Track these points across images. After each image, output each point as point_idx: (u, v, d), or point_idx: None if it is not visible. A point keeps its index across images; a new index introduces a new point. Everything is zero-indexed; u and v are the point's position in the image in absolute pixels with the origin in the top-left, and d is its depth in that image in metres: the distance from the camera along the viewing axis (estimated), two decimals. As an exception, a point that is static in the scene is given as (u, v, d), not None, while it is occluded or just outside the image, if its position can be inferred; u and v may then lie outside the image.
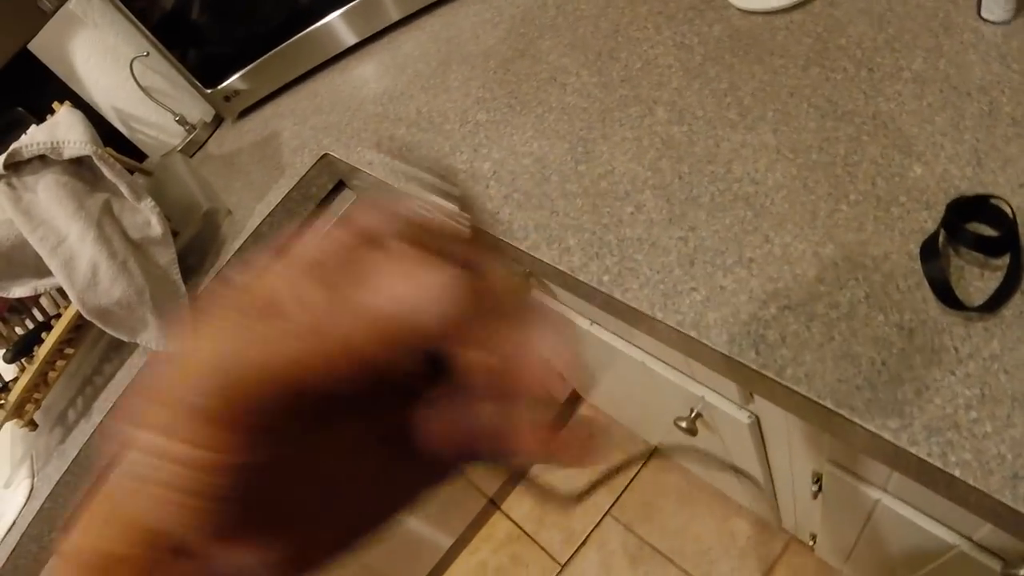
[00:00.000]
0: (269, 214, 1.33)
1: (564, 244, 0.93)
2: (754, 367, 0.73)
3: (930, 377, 0.66)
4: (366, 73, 1.48)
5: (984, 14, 0.87)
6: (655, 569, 2.06)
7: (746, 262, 0.80)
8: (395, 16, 1.50)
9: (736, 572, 1.96)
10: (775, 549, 1.94)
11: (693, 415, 1.15)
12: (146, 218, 1.23)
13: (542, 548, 2.24)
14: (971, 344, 0.66)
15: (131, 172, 1.62)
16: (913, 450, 0.64)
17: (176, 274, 1.25)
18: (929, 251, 0.71)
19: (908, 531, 0.99)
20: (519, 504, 2.35)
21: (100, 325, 1.17)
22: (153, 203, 1.22)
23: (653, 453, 2.21)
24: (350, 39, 1.53)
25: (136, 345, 1.28)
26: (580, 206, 0.96)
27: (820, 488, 1.15)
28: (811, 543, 1.69)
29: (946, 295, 0.69)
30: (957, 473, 0.61)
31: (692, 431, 1.16)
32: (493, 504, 2.35)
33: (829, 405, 0.68)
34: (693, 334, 0.78)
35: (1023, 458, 0.60)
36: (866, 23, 0.95)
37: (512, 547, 2.28)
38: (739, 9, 1.06)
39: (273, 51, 1.53)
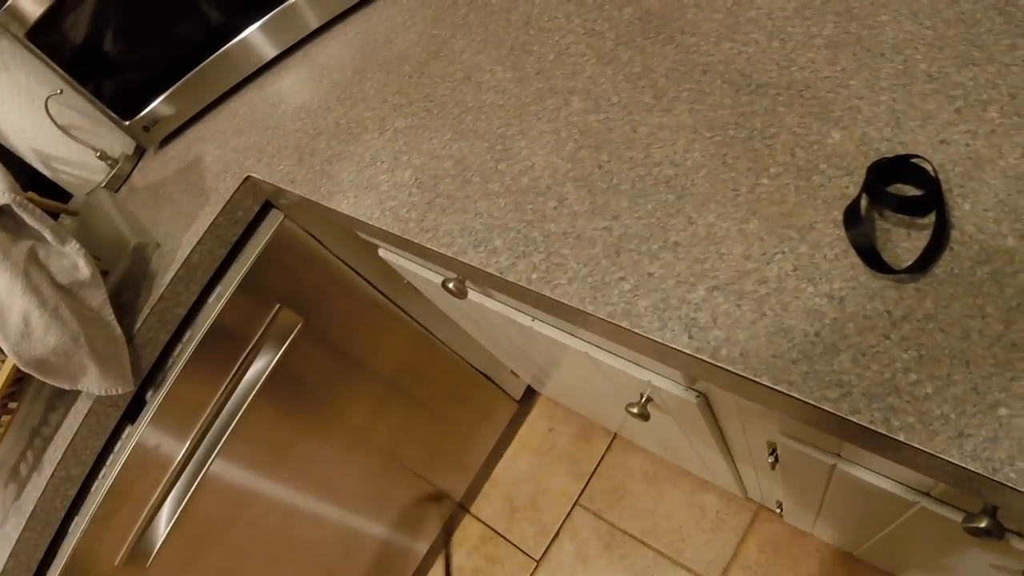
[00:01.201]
0: (198, 242, 1.30)
1: (490, 246, 0.92)
2: (688, 352, 0.73)
3: (865, 344, 0.66)
4: (283, 88, 1.45)
5: (890, -29, 0.87)
6: (630, 552, 2.06)
7: (671, 246, 0.79)
8: (314, 24, 1.48)
9: (709, 545, 1.97)
10: (745, 519, 1.96)
11: (643, 400, 1.15)
12: (73, 261, 1.20)
13: (515, 546, 2.24)
14: (904, 306, 0.66)
15: (56, 214, 1.59)
16: (855, 419, 0.63)
17: (110, 315, 1.23)
18: (852, 217, 0.71)
19: (868, 492, 0.99)
20: (488, 504, 2.34)
21: (38, 376, 1.15)
22: (78, 246, 1.19)
23: (615, 439, 2.21)
24: (267, 53, 1.50)
25: (80, 392, 1.25)
26: (503, 205, 0.95)
27: (776, 459, 1.16)
28: (778, 511, 1.70)
29: (873, 259, 0.68)
30: (902, 437, 0.61)
31: (644, 416, 1.15)
32: (462, 507, 2.34)
33: (767, 382, 0.68)
34: (625, 324, 0.77)
35: (967, 415, 0.59)
36: (775, -8, 0.95)
37: (486, 548, 2.28)
38: None
39: (189, 75, 1.50)
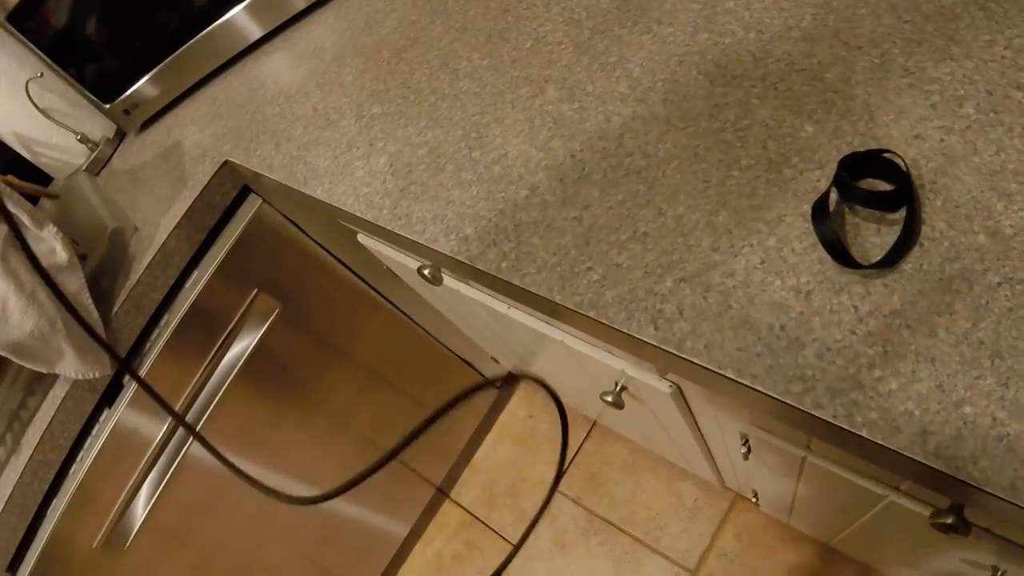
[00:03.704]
0: (175, 227, 1.30)
1: (462, 234, 0.92)
2: (653, 343, 0.73)
3: (831, 338, 0.66)
4: (262, 73, 1.45)
5: (870, -36, 0.87)
6: (608, 539, 2.07)
7: (640, 237, 0.79)
8: (301, 5, 1.48)
9: (686, 534, 1.98)
10: (722, 508, 1.97)
11: (618, 389, 1.15)
12: (50, 245, 1.19)
13: (494, 531, 2.25)
14: (870, 301, 0.66)
15: (37, 197, 1.58)
16: (818, 413, 0.63)
17: (87, 299, 1.22)
18: (820, 211, 0.71)
19: (839, 485, 1.00)
20: (468, 490, 2.34)
21: (15, 359, 1.14)
22: (55, 230, 1.19)
23: (594, 427, 2.21)
24: (249, 36, 1.50)
25: (58, 376, 1.25)
26: (476, 194, 0.95)
27: (749, 449, 1.16)
28: (754, 500, 1.71)
29: (840, 254, 0.68)
30: (864, 433, 0.61)
31: (619, 404, 1.15)
32: (442, 493, 2.34)
33: (730, 375, 0.68)
34: (592, 314, 0.77)
35: (931, 412, 0.59)
36: (753, -16, 0.94)
37: (465, 533, 2.29)
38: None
39: (170, 58, 1.49)
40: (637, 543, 2.03)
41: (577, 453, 2.22)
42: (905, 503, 0.89)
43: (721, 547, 1.93)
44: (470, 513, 2.30)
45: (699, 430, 1.32)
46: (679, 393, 1.07)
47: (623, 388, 1.15)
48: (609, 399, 1.15)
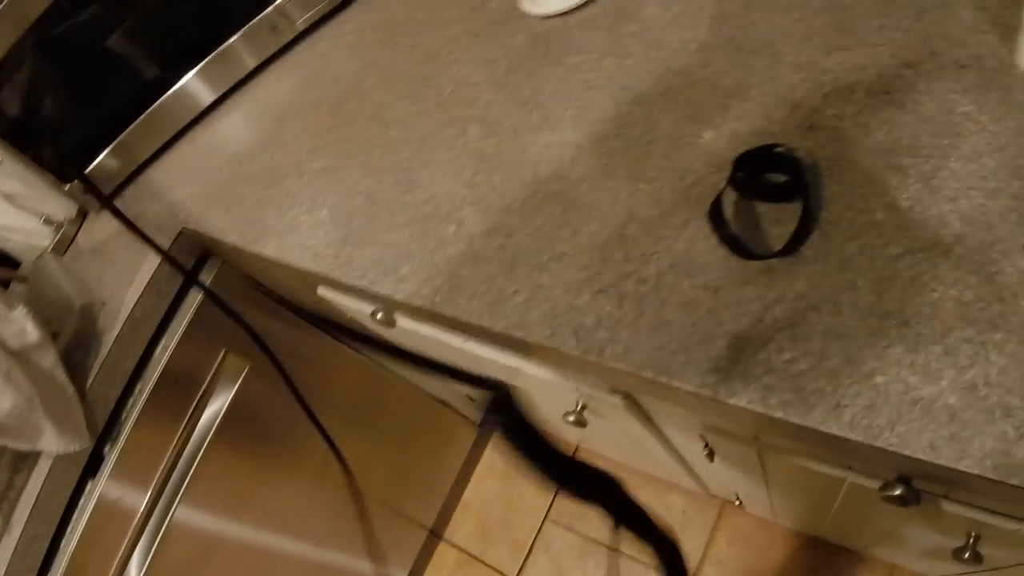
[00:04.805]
0: (139, 298, 1.33)
1: (398, 274, 0.95)
2: (576, 354, 0.76)
3: (740, 328, 0.69)
4: (213, 139, 1.48)
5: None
6: (603, 560, 2.08)
7: (559, 256, 0.83)
8: (251, 64, 1.51)
9: (680, 544, 1.98)
10: (711, 516, 1.98)
11: (579, 408, 1.17)
12: (21, 326, 1.22)
13: (492, 567, 2.25)
14: (776, 289, 0.70)
15: (8, 281, 1.61)
16: (733, 401, 0.67)
17: (62, 374, 1.25)
18: (715, 211, 0.75)
19: (799, 474, 1.02)
20: (460, 529, 2.35)
21: (-2, 439, 1.17)
22: (25, 310, 1.22)
23: (576, 450, 2.23)
24: (200, 103, 1.53)
25: (41, 452, 1.27)
26: (408, 235, 0.98)
27: (711, 451, 1.18)
28: (738, 503, 1.72)
29: (740, 248, 0.72)
30: (780, 415, 0.64)
31: (582, 423, 1.17)
32: (435, 535, 2.35)
33: (649, 375, 0.71)
34: (519, 335, 0.81)
35: (843, 387, 0.63)
36: (655, 5, 0.99)
37: (463, 572, 2.29)
38: (537, 16, 1.10)
39: (124, 133, 1.51)
40: (633, 561, 2.04)
41: (564, 478, 2.23)
42: (860, 481, 0.91)
43: (716, 555, 1.95)
44: (465, 552, 2.31)
45: (666, 439, 1.34)
46: (633, 404, 1.09)
47: (583, 407, 1.18)
48: (571, 419, 1.17)
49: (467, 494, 2.39)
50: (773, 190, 0.75)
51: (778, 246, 0.72)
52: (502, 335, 0.84)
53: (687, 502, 2.02)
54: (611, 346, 0.75)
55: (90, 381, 1.29)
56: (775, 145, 0.76)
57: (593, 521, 2.14)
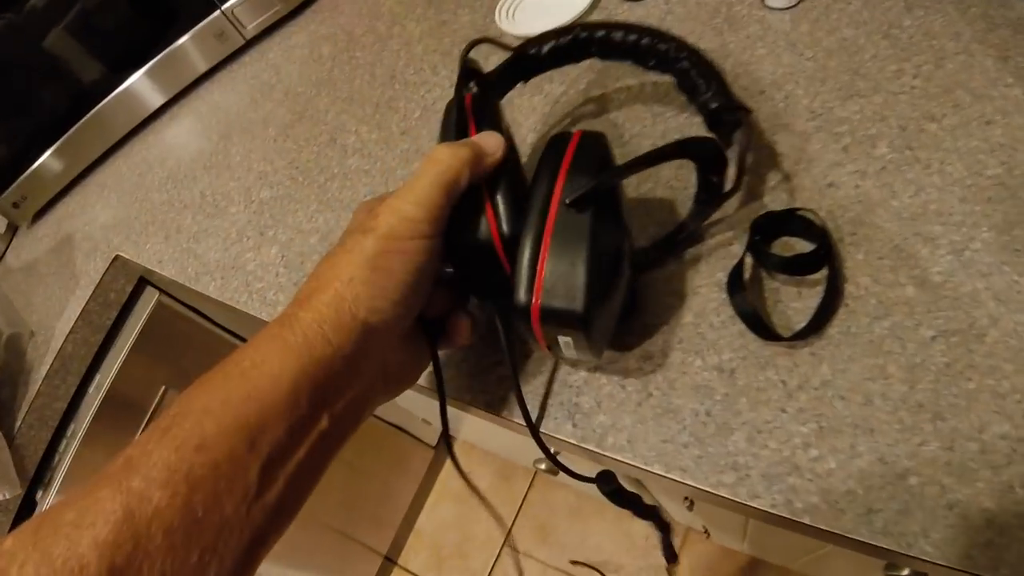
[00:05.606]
0: (71, 331, 1.23)
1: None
2: (573, 441, 0.68)
3: (760, 420, 0.61)
4: (150, 156, 1.38)
5: (769, 1, 0.84)
6: (562, 588, 2.04)
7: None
8: (203, 69, 1.42)
9: (642, 573, 1.95)
10: (675, 543, 1.94)
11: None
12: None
13: (449, 594, 2.20)
14: (799, 374, 0.62)
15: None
16: (755, 504, 0.59)
17: (-12, 416, 1.17)
18: (734, 282, 0.66)
19: (785, 534, 0.97)
20: (415, 556, 2.29)
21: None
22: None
23: (536, 475, 2.17)
24: (138, 114, 1.43)
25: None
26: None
27: (692, 504, 1.13)
28: (706, 534, 1.68)
29: (759, 327, 0.64)
30: (807, 520, 0.57)
31: (554, 471, 1.11)
32: (390, 561, 2.28)
33: (658, 471, 0.63)
34: (504, 414, 0.72)
35: (875, 489, 0.55)
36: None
37: (418, 599, 2.23)
38: (513, 36, 1.01)
39: (56, 144, 1.42)
40: (594, 588, 2.00)
41: (522, 504, 2.18)
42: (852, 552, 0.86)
43: (677, 583, 1.91)
44: (420, 579, 2.25)
45: (642, 484, 1.28)
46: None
47: (556, 452, 1.11)
48: (543, 467, 1.11)
49: (422, 520, 2.35)
50: (793, 262, 0.66)
51: (799, 324, 0.63)
52: (481, 412, 0.76)
53: (649, 529, 1.99)
54: (613, 434, 0.66)
55: (19, 423, 1.20)
56: (796, 209, 0.67)
57: (554, 547, 2.09)
